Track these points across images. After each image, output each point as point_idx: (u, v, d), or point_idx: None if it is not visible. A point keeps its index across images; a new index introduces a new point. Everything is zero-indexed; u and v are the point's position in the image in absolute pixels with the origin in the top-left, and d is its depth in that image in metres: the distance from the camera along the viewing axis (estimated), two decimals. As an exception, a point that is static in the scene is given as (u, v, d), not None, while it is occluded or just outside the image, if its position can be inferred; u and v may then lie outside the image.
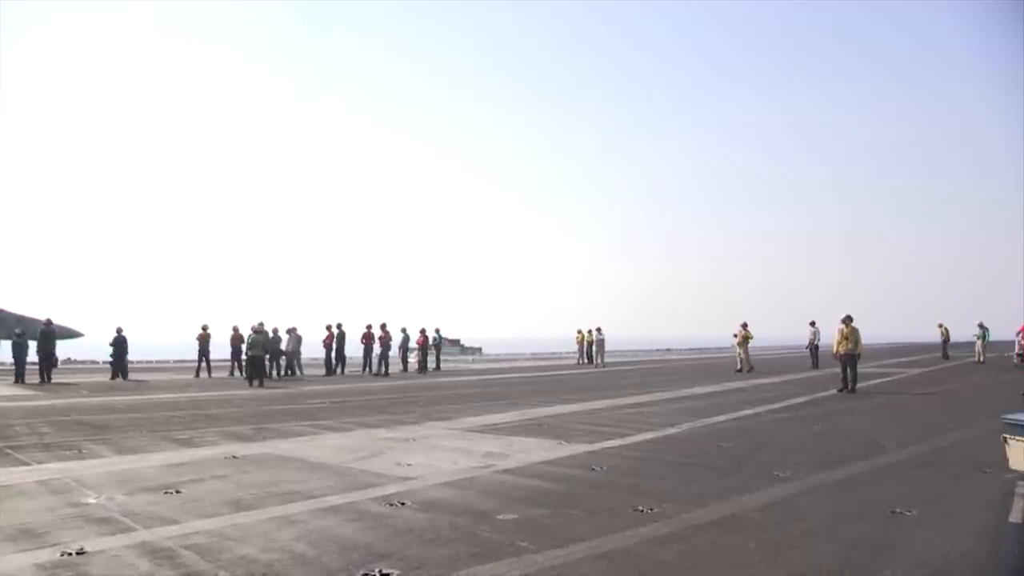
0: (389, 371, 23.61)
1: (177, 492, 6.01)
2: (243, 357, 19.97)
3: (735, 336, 24.13)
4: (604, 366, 28.22)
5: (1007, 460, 5.91)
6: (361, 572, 4.00)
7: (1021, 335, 24.88)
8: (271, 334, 21.43)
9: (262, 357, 19.73)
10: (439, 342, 26.87)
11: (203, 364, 22.07)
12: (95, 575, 3.98)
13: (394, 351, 24.36)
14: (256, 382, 18.78)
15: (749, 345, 24.05)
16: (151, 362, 29.78)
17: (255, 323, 21.18)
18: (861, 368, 16.03)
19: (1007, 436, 5.84)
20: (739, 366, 23.32)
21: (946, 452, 8.06)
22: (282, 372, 22.33)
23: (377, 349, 23.84)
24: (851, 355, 15.45)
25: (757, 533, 4.74)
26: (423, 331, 25.52)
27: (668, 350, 50.68)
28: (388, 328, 24.11)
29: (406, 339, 25.10)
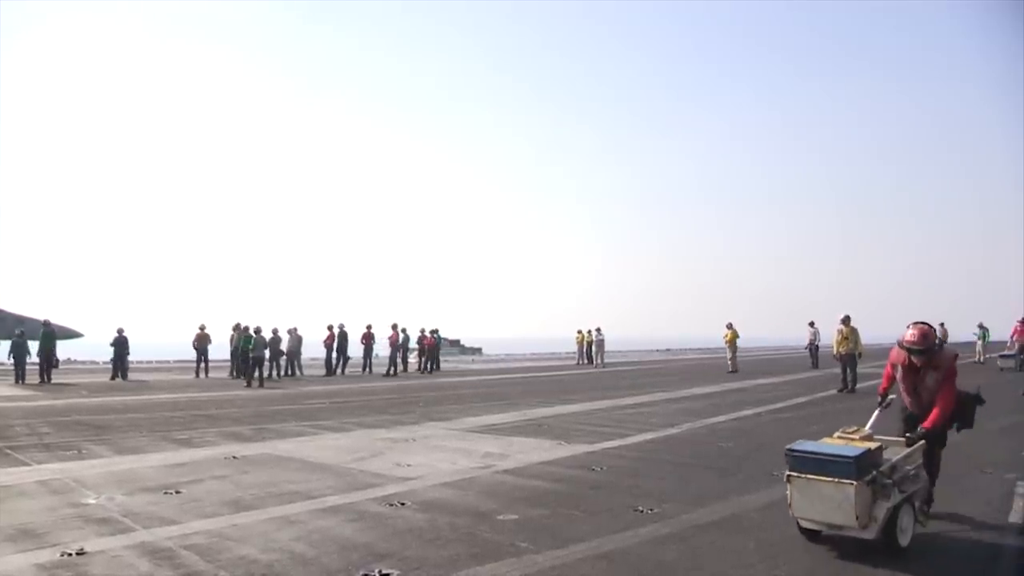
0: (398, 371, 23.71)
1: (177, 492, 6.02)
2: (248, 357, 19.96)
3: (726, 337, 24.02)
4: (604, 366, 28.21)
5: (789, 504, 4.36)
6: (361, 572, 4.01)
7: (1014, 337, 24.57)
8: (271, 334, 21.40)
9: (263, 357, 19.76)
10: (438, 342, 26.92)
11: (202, 364, 22.05)
12: (95, 575, 3.99)
13: (387, 350, 24.51)
14: (256, 382, 18.78)
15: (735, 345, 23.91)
16: (151, 362, 29.76)
17: (243, 325, 21.22)
18: (861, 368, 16.01)
19: (790, 474, 4.28)
20: (730, 367, 23.23)
21: (945, 452, 8.04)
22: (282, 372, 22.32)
23: (387, 350, 23.95)
24: (851, 355, 15.46)
25: (757, 533, 4.75)
26: (432, 332, 25.61)
27: (668, 350, 50.65)
28: (399, 328, 24.26)
29: (406, 339, 25.15)
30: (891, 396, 5.41)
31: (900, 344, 5.09)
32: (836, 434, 4.73)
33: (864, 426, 4.94)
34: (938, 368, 5.01)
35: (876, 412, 5.30)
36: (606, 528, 4.88)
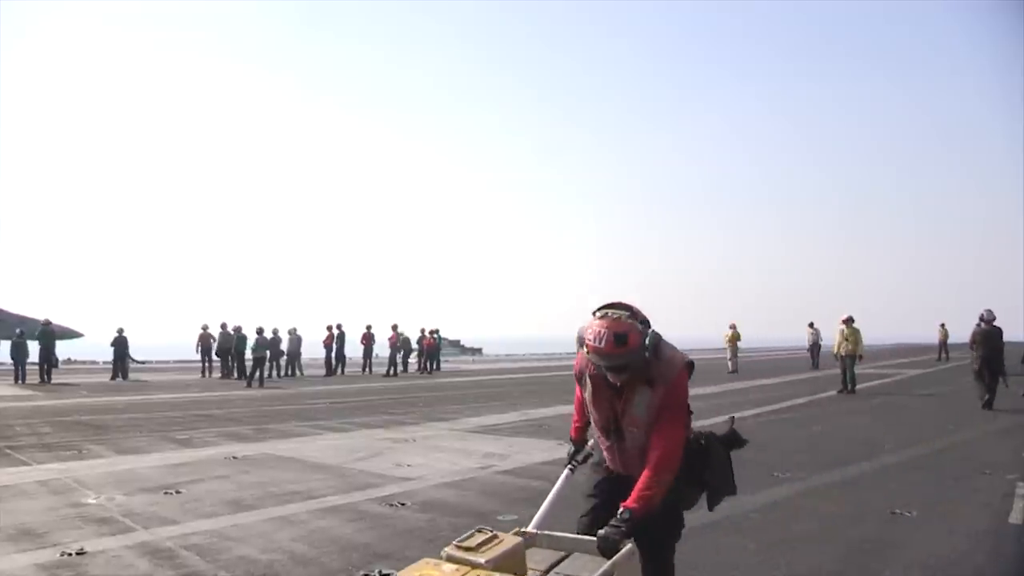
0: (398, 371, 23.75)
1: (177, 492, 6.01)
2: (243, 358, 20.02)
3: (727, 337, 23.97)
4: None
5: None
6: (361, 572, 4.00)
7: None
8: (271, 334, 21.41)
9: (264, 358, 19.84)
10: (438, 343, 26.97)
11: (206, 364, 22.11)
12: (95, 575, 3.99)
13: (387, 351, 24.58)
14: (256, 382, 18.80)
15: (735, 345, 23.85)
16: (151, 362, 29.74)
17: (229, 326, 21.37)
18: (861, 369, 16.03)
19: None
20: (730, 368, 23.20)
21: (946, 453, 8.06)
22: (282, 372, 22.33)
23: (387, 350, 24.06)
24: (852, 356, 15.50)
25: (757, 534, 4.74)
26: (432, 332, 25.62)
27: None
28: (399, 329, 24.33)
29: (406, 341, 25.17)
30: (592, 441, 3.05)
31: (581, 340, 2.64)
32: (448, 549, 2.41)
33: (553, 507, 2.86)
34: (655, 382, 2.62)
35: (563, 476, 3.06)
36: (606, 528, 4.87)
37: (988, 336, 12.15)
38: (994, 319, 12.23)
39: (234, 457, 7.75)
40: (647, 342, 2.55)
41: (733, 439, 3.04)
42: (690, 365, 2.70)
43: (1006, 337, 12.34)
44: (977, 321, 12.46)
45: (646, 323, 2.62)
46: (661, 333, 2.62)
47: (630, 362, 2.54)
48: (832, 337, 16.66)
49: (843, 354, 15.57)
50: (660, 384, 2.63)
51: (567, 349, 36.79)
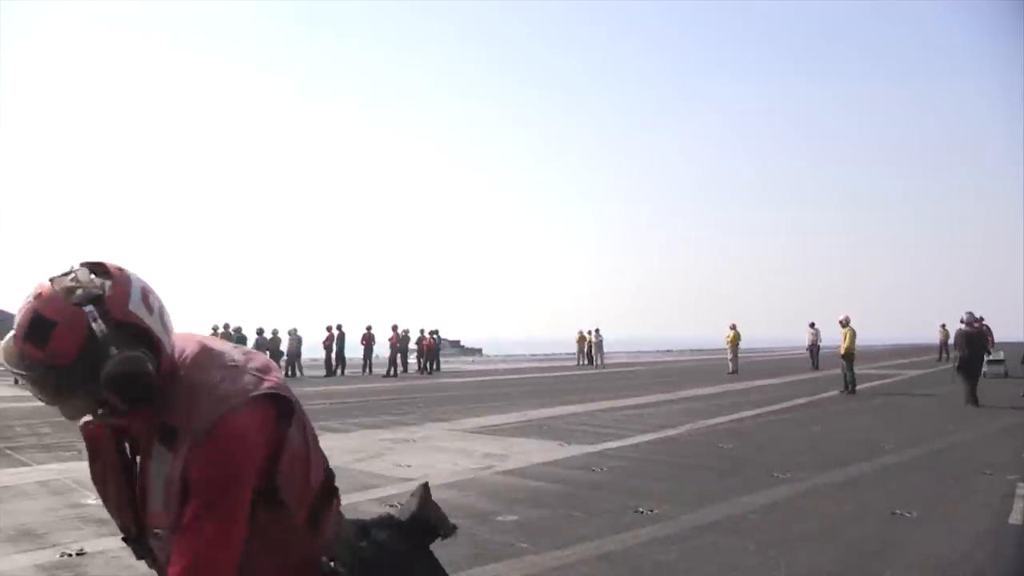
0: (398, 372, 23.80)
1: (177, 493, 6.01)
2: None
3: (728, 337, 24.00)
4: (603, 367, 28.23)
5: None
6: (361, 573, 4.00)
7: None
8: (271, 335, 21.44)
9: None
10: (438, 343, 26.99)
11: None
12: (95, 575, 3.99)
13: (387, 351, 24.64)
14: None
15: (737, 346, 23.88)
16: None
17: (235, 326, 21.68)
18: (861, 369, 16.08)
19: None
20: (730, 368, 23.22)
21: (945, 454, 8.07)
22: (281, 373, 22.36)
23: (387, 351, 24.12)
24: (850, 357, 15.60)
25: (757, 535, 4.74)
26: (432, 333, 25.67)
27: (668, 351, 50.66)
28: (399, 330, 24.38)
29: (406, 340, 25.20)
30: None
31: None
32: None
33: None
34: (177, 437, 1.21)
35: None
36: (606, 529, 4.88)
37: (970, 338, 12.32)
38: (976, 320, 12.40)
39: (234, 457, 7.75)
40: (109, 366, 1.15)
41: (424, 524, 1.59)
42: (274, 398, 1.31)
43: (1008, 337, 12.49)
44: (958, 324, 12.76)
45: (148, 341, 1.22)
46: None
47: (47, 380, 1.17)
48: (831, 338, 16.77)
49: (843, 354, 15.71)
50: (186, 440, 1.22)
51: (568, 349, 36.81)
